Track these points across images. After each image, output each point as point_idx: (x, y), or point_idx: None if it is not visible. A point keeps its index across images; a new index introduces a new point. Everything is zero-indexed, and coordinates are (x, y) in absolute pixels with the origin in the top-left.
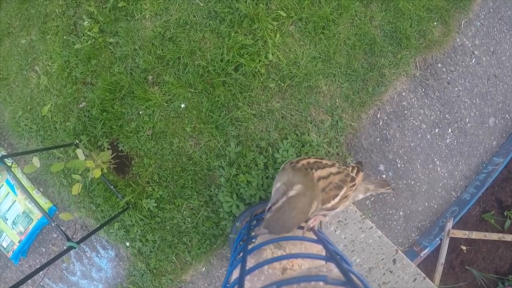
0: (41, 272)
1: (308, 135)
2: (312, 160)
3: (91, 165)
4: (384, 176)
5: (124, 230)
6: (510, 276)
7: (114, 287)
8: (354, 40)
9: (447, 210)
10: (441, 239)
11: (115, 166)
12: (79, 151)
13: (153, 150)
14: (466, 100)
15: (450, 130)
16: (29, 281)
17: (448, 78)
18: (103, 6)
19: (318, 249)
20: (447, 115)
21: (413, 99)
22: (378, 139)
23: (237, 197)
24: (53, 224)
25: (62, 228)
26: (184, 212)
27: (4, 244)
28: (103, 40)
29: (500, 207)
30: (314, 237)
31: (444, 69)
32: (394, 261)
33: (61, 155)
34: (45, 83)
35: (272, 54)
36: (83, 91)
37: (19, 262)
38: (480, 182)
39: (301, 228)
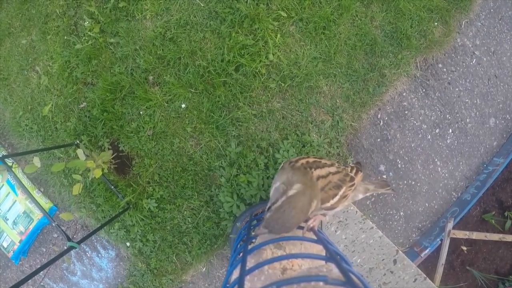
0: (41, 272)
1: (309, 135)
2: (311, 160)
3: (91, 165)
4: (384, 176)
5: (125, 230)
6: (510, 276)
7: (114, 287)
8: (354, 40)
9: (448, 210)
10: (441, 240)
11: (116, 166)
12: (79, 151)
13: (153, 150)
14: (467, 100)
15: (450, 131)
16: (30, 281)
17: (449, 78)
18: (104, 6)
19: (318, 249)
20: (447, 116)
21: (414, 100)
22: (378, 140)
23: (237, 197)
24: (53, 224)
25: (63, 228)
26: (185, 212)
27: (5, 244)
28: (103, 40)
29: (500, 207)
30: (314, 237)
31: (444, 70)
32: (395, 261)
33: (61, 155)
34: (46, 83)
35: (273, 55)
36: (84, 91)
37: (19, 262)
38: (480, 182)
39: (301, 228)
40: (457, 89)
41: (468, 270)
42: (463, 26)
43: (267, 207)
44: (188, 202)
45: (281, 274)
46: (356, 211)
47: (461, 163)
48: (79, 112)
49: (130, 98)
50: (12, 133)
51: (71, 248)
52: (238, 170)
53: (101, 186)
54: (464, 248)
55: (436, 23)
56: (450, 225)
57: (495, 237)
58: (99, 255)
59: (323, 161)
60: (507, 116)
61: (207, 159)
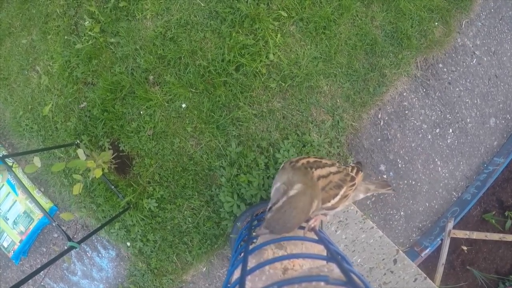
0: (42, 272)
1: (309, 135)
2: (311, 160)
3: (92, 165)
4: (385, 176)
5: (125, 230)
6: (511, 276)
7: (115, 287)
8: (355, 40)
9: (448, 210)
10: (442, 239)
11: (116, 166)
12: (80, 151)
13: (154, 150)
14: (467, 100)
15: (451, 130)
16: (30, 281)
17: (449, 78)
18: (104, 6)
19: (319, 249)
20: (448, 115)
21: (414, 99)
22: (379, 139)
23: (238, 197)
24: (54, 224)
25: (63, 228)
26: (185, 212)
27: (5, 244)
28: (104, 40)
29: (501, 207)
30: (315, 237)
31: (445, 69)
32: (395, 261)
33: (62, 155)
34: (46, 83)
35: (273, 54)
36: (84, 91)
37: (20, 262)
38: (481, 182)
39: (302, 228)
40: (457, 89)
41: (468, 270)
42: (463, 26)
43: (268, 207)
44: (189, 202)
45: (282, 274)
46: (356, 211)
47: (461, 163)
48: (80, 112)
49: (131, 98)
50: (12, 133)
51: (71, 248)
52: (239, 170)
53: (101, 186)
54: (465, 248)
55: (436, 23)
56: (450, 224)
57: (495, 236)
58: (100, 255)
59: (323, 161)
60: (508, 116)
61: (208, 159)
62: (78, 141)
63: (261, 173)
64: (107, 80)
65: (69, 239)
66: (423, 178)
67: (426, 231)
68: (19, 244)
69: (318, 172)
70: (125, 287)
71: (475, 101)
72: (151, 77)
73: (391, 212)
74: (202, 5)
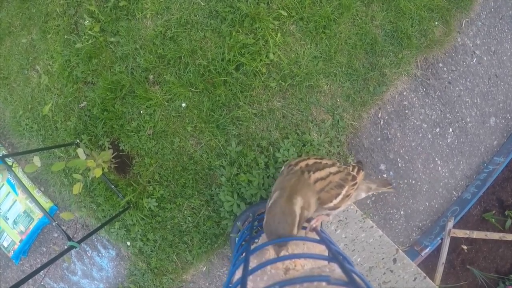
0: (42, 271)
1: (309, 134)
2: (311, 161)
3: (92, 164)
4: (385, 175)
5: (125, 229)
6: (510, 275)
7: (115, 286)
8: (355, 39)
9: (448, 209)
10: (442, 239)
11: (116, 165)
12: (80, 151)
13: (154, 149)
14: (467, 99)
15: (451, 130)
16: (30, 280)
17: (449, 77)
18: (104, 5)
19: (321, 249)
20: (448, 115)
21: (414, 99)
22: (379, 139)
23: (238, 197)
24: (54, 224)
25: (63, 227)
26: (185, 212)
27: (5, 244)
28: (104, 40)
29: (501, 206)
30: (317, 237)
31: (445, 69)
32: (395, 260)
33: (62, 155)
34: (46, 83)
35: (273, 54)
36: (84, 91)
37: (20, 261)
38: (481, 181)
39: (304, 228)
40: (457, 88)
41: (468, 269)
42: (463, 25)
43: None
44: (189, 201)
45: (283, 274)
46: (356, 210)
47: (461, 162)
48: (79, 111)
49: (131, 97)
50: (12, 133)
51: (71, 247)
52: (239, 169)
53: (101, 185)
54: (465, 247)
55: (436, 23)
56: (450, 224)
57: (495, 236)
58: (100, 254)
59: (323, 161)
60: (508, 115)
61: (208, 158)
62: (78, 141)
63: (261, 172)
64: (107, 79)
65: (69, 239)
66: (423, 178)
67: (426, 231)
68: (19, 243)
69: (316, 175)
70: (125, 286)
71: (475, 101)
72: (151, 77)
73: (391, 211)
74: (202, 4)
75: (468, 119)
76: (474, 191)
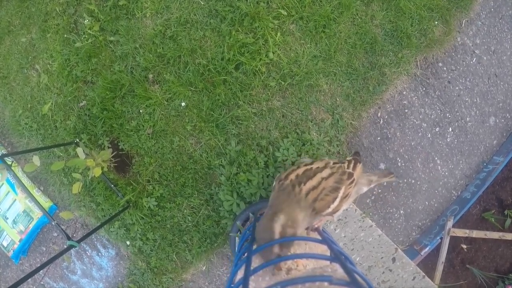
0: (41, 271)
1: (309, 133)
2: (301, 171)
3: (91, 163)
4: None
5: (125, 229)
6: (510, 274)
7: (114, 286)
8: (355, 39)
9: (448, 208)
10: (441, 238)
11: (116, 164)
12: (79, 150)
13: (153, 148)
14: (467, 99)
15: (450, 129)
16: (30, 280)
17: (449, 77)
18: (104, 5)
19: (323, 249)
20: (447, 114)
21: (414, 98)
22: (378, 138)
23: (237, 196)
24: (53, 223)
25: (63, 227)
26: (185, 211)
27: (5, 243)
28: (103, 39)
29: (500, 206)
30: (319, 237)
31: (444, 68)
32: (394, 259)
33: (61, 154)
34: (46, 82)
35: (273, 53)
36: (84, 90)
37: (19, 261)
38: (480, 181)
39: (306, 228)
40: (457, 88)
41: (468, 268)
42: (463, 25)
43: None
44: (188, 201)
45: (286, 274)
46: (356, 209)
47: (461, 161)
48: (79, 111)
49: (130, 96)
50: (11, 132)
51: (71, 247)
52: (238, 169)
53: (101, 184)
54: (464, 247)
55: (436, 22)
56: (450, 223)
57: (495, 235)
58: (99, 254)
59: (314, 166)
60: (507, 115)
61: (207, 158)
62: (78, 140)
63: (261, 171)
64: (107, 78)
65: (69, 238)
66: (422, 177)
67: (426, 230)
68: (18, 243)
69: (307, 185)
70: (124, 286)
71: (475, 100)
72: (150, 76)
73: (391, 210)
74: (202, 3)
75: (467, 119)
76: (474, 190)
